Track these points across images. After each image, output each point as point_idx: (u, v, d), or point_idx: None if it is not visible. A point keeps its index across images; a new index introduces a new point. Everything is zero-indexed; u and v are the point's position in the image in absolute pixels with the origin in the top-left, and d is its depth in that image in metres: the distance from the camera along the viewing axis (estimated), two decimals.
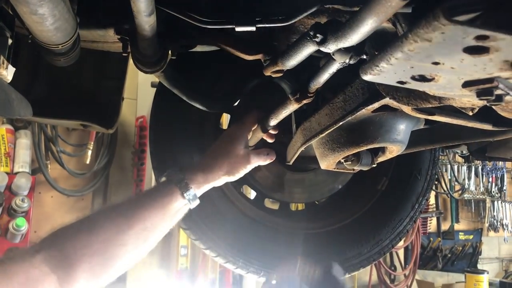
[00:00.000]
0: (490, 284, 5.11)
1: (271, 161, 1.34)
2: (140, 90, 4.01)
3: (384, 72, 0.68)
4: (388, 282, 5.51)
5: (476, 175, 6.36)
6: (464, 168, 6.23)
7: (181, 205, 1.16)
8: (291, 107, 1.24)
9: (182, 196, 1.15)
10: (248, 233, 1.65)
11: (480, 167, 6.39)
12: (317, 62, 1.10)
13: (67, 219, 1.08)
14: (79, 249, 0.99)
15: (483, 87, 0.65)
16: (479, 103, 0.81)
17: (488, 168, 6.50)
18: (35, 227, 3.29)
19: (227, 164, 1.23)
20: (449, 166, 5.99)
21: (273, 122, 1.35)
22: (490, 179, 6.56)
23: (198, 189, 1.19)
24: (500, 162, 6.58)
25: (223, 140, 1.28)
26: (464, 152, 5.84)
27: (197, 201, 1.18)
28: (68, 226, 1.05)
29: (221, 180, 1.24)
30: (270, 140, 1.39)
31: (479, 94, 0.67)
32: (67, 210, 3.62)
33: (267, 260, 1.62)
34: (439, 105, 0.87)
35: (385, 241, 1.69)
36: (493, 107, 0.74)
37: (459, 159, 6.23)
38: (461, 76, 0.65)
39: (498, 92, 0.67)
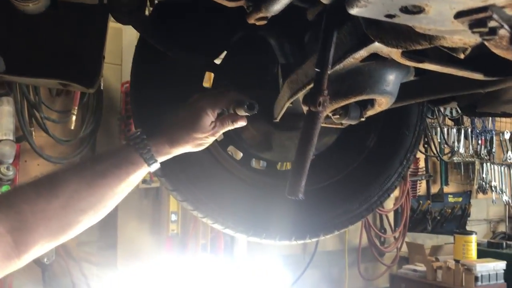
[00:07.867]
0: (478, 244, 5.19)
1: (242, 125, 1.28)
2: (124, 55, 3.91)
3: (371, 3, 0.63)
4: (378, 244, 5.59)
5: (466, 137, 6.37)
6: (454, 131, 6.23)
7: (143, 172, 1.15)
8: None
9: (146, 165, 1.14)
10: (236, 193, 1.62)
11: (469, 130, 6.40)
12: None
13: None
14: (37, 212, 0.98)
15: (477, 17, 0.61)
16: (471, 41, 0.77)
17: (478, 131, 6.51)
18: None
19: (193, 137, 1.20)
20: (438, 129, 6.00)
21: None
22: (480, 142, 6.58)
23: (161, 158, 1.18)
24: (490, 124, 6.60)
25: (190, 111, 1.22)
26: (453, 114, 5.85)
27: (158, 166, 1.18)
28: (28, 185, 1.03)
29: (184, 150, 1.23)
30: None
31: (472, 26, 0.63)
32: None
33: (256, 219, 1.60)
34: (429, 46, 0.82)
35: (373, 197, 1.67)
36: (486, 43, 0.70)
37: (448, 122, 6.24)
38: (453, 5, 0.61)
39: (492, 24, 0.63)
